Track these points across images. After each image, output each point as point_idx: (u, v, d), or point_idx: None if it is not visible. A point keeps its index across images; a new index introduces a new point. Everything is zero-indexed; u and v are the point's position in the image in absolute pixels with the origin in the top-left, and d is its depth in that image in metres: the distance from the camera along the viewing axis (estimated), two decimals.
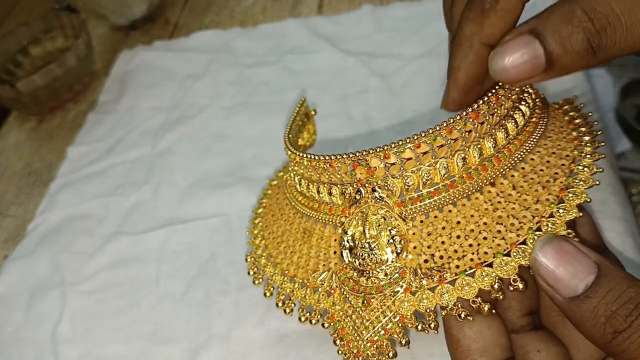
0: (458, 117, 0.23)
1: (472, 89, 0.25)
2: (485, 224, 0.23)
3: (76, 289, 0.40)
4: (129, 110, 0.54)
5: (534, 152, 0.24)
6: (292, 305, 0.28)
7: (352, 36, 0.53)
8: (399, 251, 0.23)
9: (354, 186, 0.25)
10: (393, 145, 0.23)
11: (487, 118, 0.24)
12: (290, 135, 0.32)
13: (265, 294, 0.30)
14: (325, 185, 0.26)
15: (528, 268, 0.21)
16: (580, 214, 0.22)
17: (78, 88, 0.57)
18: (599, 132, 0.25)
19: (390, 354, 0.23)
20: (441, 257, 0.23)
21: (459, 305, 0.22)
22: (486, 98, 0.23)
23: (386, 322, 0.23)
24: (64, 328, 0.38)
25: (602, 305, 0.19)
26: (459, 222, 0.23)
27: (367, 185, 0.24)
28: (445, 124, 0.23)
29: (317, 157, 0.25)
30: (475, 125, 0.23)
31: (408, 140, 0.23)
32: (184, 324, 0.36)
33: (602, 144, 0.24)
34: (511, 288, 0.22)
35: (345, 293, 0.25)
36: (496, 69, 0.22)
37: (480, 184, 0.23)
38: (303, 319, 0.27)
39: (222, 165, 0.46)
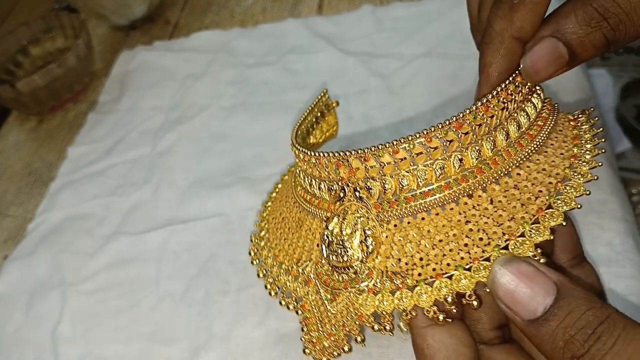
0: (440, 127, 0.23)
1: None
2: (454, 235, 0.23)
3: (76, 289, 0.40)
4: (129, 110, 0.54)
5: (523, 167, 0.24)
6: (277, 289, 0.29)
7: (352, 36, 0.53)
8: (369, 252, 0.24)
9: (339, 184, 0.25)
10: (373, 149, 0.23)
11: (477, 127, 0.23)
12: (302, 127, 0.32)
13: (258, 275, 0.31)
14: (316, 179, 0.27)
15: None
16: (552, 237, 0.22)
17: (78, 88, 0.57)
18: (600, 151, 0.25)
19: (345, 349, 0.24)
20: (406, 263, 0.23)
21: (416, 312, 0.22)
22: (474, 107, 0.23)
23: (347, 318, 0.24)
24: (64, 328, 0.38)
25: (561, 329, 0.19)
26: (429, 231, 0.23)
27: (350, 184, 0.25)
28: (425, 132, 0.23)
29: (308, 153, 0.26)
30: (459, 136, 0.23)
31: (387, 145, 0.23)
32: (184, 324, 0.36)
33: (600, 164, 0.24)
34: (464, 302, 0.22)
35: (318, 285, 0.26)
36: (530, 71, 0.24)
37: (458, 194, 0.23)
38: (283, 303, 0.28)
39: (222, 165, 0.46)
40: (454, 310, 0.22)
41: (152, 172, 0.47)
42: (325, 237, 0.25)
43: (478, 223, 0.23)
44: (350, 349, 0.24)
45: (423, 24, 0.51)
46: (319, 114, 0.35)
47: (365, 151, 0.23)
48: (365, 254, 0.24)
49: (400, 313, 0.23)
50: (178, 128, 0.50)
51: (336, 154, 0.24)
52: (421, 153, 0.23)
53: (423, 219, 0.24)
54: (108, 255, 0.42)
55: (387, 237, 0.24)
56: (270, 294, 0.29)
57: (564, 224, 0.22)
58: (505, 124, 0.24)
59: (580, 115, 0.27)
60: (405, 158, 0.23)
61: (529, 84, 0.25)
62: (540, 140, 0.25)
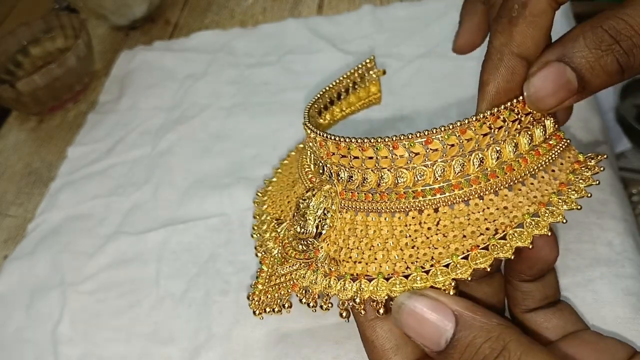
0: (409, 137, 0.23)
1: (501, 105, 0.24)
2: (391, 245, 0.24)
3: (76, 289, 0.40)
4: (129, 110, 0.54)
5: (486, 195, 0.23)
6: (257, 235, 0.31)
7: (352, 36, 0.53)
8: (321, 232, 0.25)
9: (321, 162, 0.26)
10: (347, 141, 0.24)
11: (449, 147, 0.23)
12: (326, 96, 0.32)
13: (254, 217, 0.33)
14: (311, 150, 0.28)
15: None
16: (469, 278, 0.21)
17: (78, 88, 0.57)
18: (587, 195, 0.23)
19: (275, 309, 0.27)
20: (345, 254, 0.25)
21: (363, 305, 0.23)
22: (450, 126, 0.23)
23: (284, 283, 0.27)
24: (64, 328, 0.38)
25: None
26: (374, 232, 0.24)
27: (327, 165, 0.26)
28: (393, 138, 0.23)
29: (306, 127, 0.27)
30: (427, 151, 0.23)
31: (358, 141, 0.24)
32: (184, 324, 0.36)
33: (579, 207, 0.23)
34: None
35: (280, 245, 0.28)
36: (534, 99, 0.22)
37: (410, 206, 0.24)
38: (255, 250, 0.30)
39: (222, 165, 0.46)
40: (363, 312, 0.23)
41: (152, 172, 0.47)
42: (298, 204, 0.27)
43: (415, 240, 0.23)
44: (279, 311, 0.27)
45: (423, 24, 0.51)
46: (358, 79, 0.35)
47: (340, 140, 0.24)
48: (317, 233, 0.25)
49: (339, 302, 0.24)
50: (178, 128, 0.50)
51: (323, 134, 0.25)
52: (386, 157, 0.24)
53: (373, 219, 0.24)
54: (108, 255, 0.42)
55: (340, 225, 0.25)
56: (252, 235, 0.32)
57: (488, 269, 0.22)
58: (485, 150, 0.23)
59: (590, 159, 0.24)
60: (372, 157, 0.24)
61: (533, 113, 0.23)
62: (519, 177, 0.23)
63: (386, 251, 0.24)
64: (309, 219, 0.26)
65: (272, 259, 0.28)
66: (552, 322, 0.26)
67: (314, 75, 0.51)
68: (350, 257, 0.24)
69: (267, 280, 0.28)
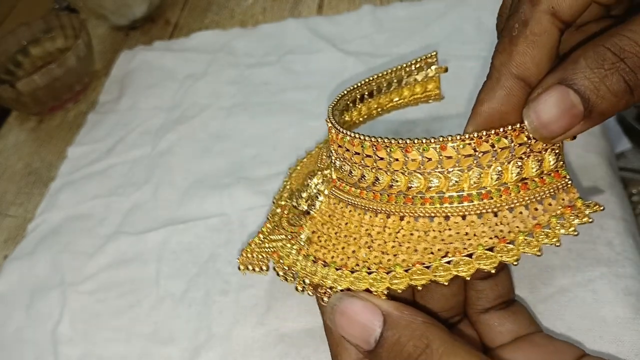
0: (391, 142, 0.23)
1: (492, 127, 0.22)
2: (354, 239, 0.25)
3: (76, 289, 0.40)
4: (129, 110, 0.54)
5: (453, 216, 0.23)
6: (276, 205, 0.33)
7: (352, 36, 0.53)
8: (309, 211, 0.27)
9: (331, 147, 0.27)
10: (343, 132, 0.25)
11: (426, 160, 0.23)
12: (373, 83, 0.32)
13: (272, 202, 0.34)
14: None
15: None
16: (400, 290, 0.22)
17: (78, 88, 0.57)
18: (556, 244, 0.22)
19: (255, 269, 0.29)
20: (318, 237, 0.26)
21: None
22: (431, 140, 0.22)
23: (269, 249, 0.29)
24: (64, 328, 0.38)
25: None
26: (346, 224, 0.25)
27: (332, 150, 0.27)
28: (373, 139, 0.24)
29: (328, 117, 0.27)
30: (406, 159, 0.23)
31: (351, 135, 0.25)
32: (184, 324, 0.36)
33: (539, 254, 0.22)
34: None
35: (279, 214, 0.31)
36: (535, 125, 0.21)
37: (384, 210, 0.24)
38: (271, 210, 0.33)
39: (222, 165, 0.46)
40: (310, 294, 0.24)
41: (152, 172, 0.47)
42: (304, 180, 0.28)
43: (373, 242, 0.24)
44: (259, 271, 0.29)
45: (423, 24, 0.51)
46: (415, 72, 0.33)
47: (340, 131, 0.25)
48: (306, 212, 0.27)
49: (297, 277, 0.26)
50: (178, 128, 0.50)
51: (333, 123, 0.26)
52: (369, 156, 0.24)
53: (350, 211, 0.25)
54: (108, 255, 0.42)
55: (325, 209, 0.26)
56: (273, 202, 0.34)
57: (419, 288, 0.22)
58: (466, 171, 0.22)
59: (587, 207, 0.22)
60: (359, 153, 0.24)
61: (531, 145, 0.22)
62: (494, 207, 0.22)
63: (347, 245, 0.25)
64: (304, 196, 0.27)
65: (273, 222, 0.30)
66: (505, 326, 0.26)
67: (314, 75, 0.51)
68: (320, 241, 0.26)
69: (260, 242, 0.30)
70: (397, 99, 0.34)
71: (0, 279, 0.43)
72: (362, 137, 0.24)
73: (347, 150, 0.25)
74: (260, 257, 0.29)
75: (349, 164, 0.25)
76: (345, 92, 0.30)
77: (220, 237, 0.40)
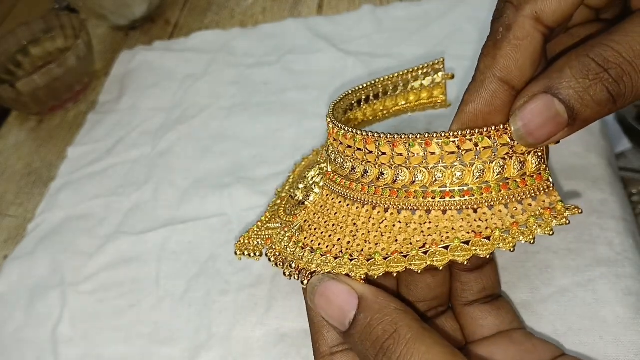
0: (379, 136, 0.24)
1: (476, 127, 0.23)
2: (341, 228, 0.25)
3: (76, 289, 0.40)
4: (129, 110, 0.54)
5: (434, 210, 0.23)
6: (278, 195, 0.35)
7: (352, 36, 0.53)
8: (304, 201, 0.28)
9: (328, 142, 0.28)
10: (340, 127, 0.26)
11: (411, 155, 0.24)
12: (379, 85, 0.33)
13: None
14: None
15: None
16: (376, 276, 0.23)
17: (78, 88, 0.57)
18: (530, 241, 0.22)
19: (250, 255, 0.31)
20: (309, 226, 0.27)
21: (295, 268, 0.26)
22: (417, 135, 0.23)
23: (265, 236, 0.30)
24: (64, 328, 0.38)
25: (360, 342, 0.21)
26: (335, 214, 0.26)
27: (329, 144, 0.28)
28: (367, 134, 0.24)
29: (328, 113, 0.28)
30: (393, 154, 0.24)
31: (346, 130, 0.25)
32: (184, 324, 0.36)
33: (512, 250, 0.22)
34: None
35: (277, 205, 0.32)
36: (521, 133, 0.21)
37: (368, 201, 0.25)
38: (270, 203, 0.35)
39: (222, 165, 0.46)
40: (295, 278, 0.25)
41: (152, 172, 0.47)
42: (304, 172, 0.29)
43: (358, 231, 0.25)
44: (253, 257, 0.30)
45: (423, 24, 0.51)
46: (422, 78, 0.33)
47: (335, 125, 0.26)
48: (302, 201, 0.28)
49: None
50: (178, 128, 0.50)
51: (331, 117, 0.27)
52: (359, 149, 0.25)
53: (340, 202, 0.26)
54: (108, 255, 0.42)
55: (318, 200, 0.28)
56: (275, 193, 0.36)
57: (394, 275, 0.23)
58: (448, 168, 0.23)
59: (566, 210, 0.22)
60: (350, 146, 0.25)
61: (513, 146, 0.22)
62: (473, 203, 0.23)
63: (334, 233, 0.26)
64: (300, 187, 0.28)
65: (271, 211, 0.31)
66: (487, 320, 0.27)
67: (314, 75, 0.51)
68: (311, 229, 0.27)
69: (258, 230, 0.31)
70: (403, 102, 0.34)
71: (0, 279, 0.43)
72: (354, 132, 0.25)
73: (341, 143, 0.26)
74: (255, 243, 0.31)
75: (342, 157, 0.26)
76: (350, 91, 0.31)
77: (220, 237, 0.40)
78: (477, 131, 0.22)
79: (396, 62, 0.49)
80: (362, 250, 0.24)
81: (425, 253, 0.23)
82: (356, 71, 0.49)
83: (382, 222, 0.24)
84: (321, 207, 0.27)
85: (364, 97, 0.32)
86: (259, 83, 0.52)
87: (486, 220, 0.23)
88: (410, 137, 0.23)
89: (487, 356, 0.25)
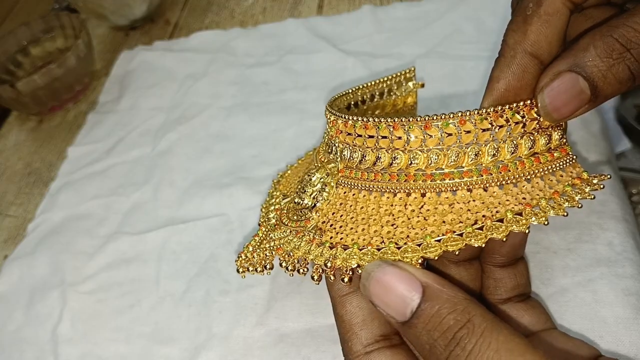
0: (407, 121, 0.24)
1: (508, 103, 0.24)
2: (373, 220, 0.24)
3: (76, 289, 0.40)
4: (129, 110, 0.54)
5: (475, 188, 0.23)
6: (265, 211, 0.33)
7: (352, 36, 0.53)
8: (315, 204, 0.27)
9: (332, 141, 0.28)
10: (354, 119, 0.25)
11: (446, 135, 0.23)
12: (358, 93, 0.33)
13: (260, 209, 0.34)
14: (326, 135, 0.29)
15: None
16: (436, 257, 0.22)
17: (78, 88, 0.57)
18: (578, 205, 0.23)
19: (257, 269, 0.28)
20: (330, 225, 0.26)
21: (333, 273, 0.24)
22: (450, 115, 0.23)
23: (273, 245, 0.28)
24: (64, 328, 0.38)
25: (425, 332, 0.20)
26: (362, 207, 0.25)
27: (335, 143, 0.27)
28: (394, 120, 0.24)
29: (327, 108, 0.28)
30: (425, 136, 0.24)
31: (363, 119, 0.25)
32: (184, 323, 0.36)
33: (565, 214, 0.22)
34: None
35: (278, 215, 0.31)
36: (548, 109, 0.23)
37: (403, 188, 0.24)
38: (259, 222, 0.32)
39: (222, 165, 0.46)
40: (332, 278, 0.24)
41: (152, 172, 0.47)
42: (303, 179, 0.28)
43: (396, 220, 0.24)
44: (261, 272, 0.28)
45: (423, 24, 0.51)
46: (394, 86, 0.35)
47: (349, 118, 0.26)
48: (312, 205, 0.27)
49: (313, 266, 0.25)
50: (178, 128, 0.50)
51: (336, 113, 0.26)
52: (385, 137, 0.24)
53: (364, 196, 0.25)
54: (108, 255, 0.42)
55: (334, 199, 0.27)
56: (261, 209, 0.34)
57: (457, 253, 0.22)
58: (483, 146, 0.23)
59: (594, 177, 0.24)
60: (372, 136, 0.25)
61: (538, 121, 0.23)
62: (514, 178, 0.23)
63: (367, 226, 0.24)
64: (307, 192, 0.27)
65: (267, 226, 0.30)
66: (524, 319, 0.26)
67: (314, 75, 0.51)
68: (334, 228, 0.25)
69: (258, 244, 0.30)
70: (378, 111, 0.35)
71: (0, 279, 0.43)
72: (377, 120, 0.24)
73: (359, 135, 0.25)
74: (262, 256, 0.29)
75: (361, 150, 0.25)
76: (337, 96, 0.31)
77: (220, 237, 0.40)
78: (507, 107, 0.23)
79: (396, 62, 0.49)
80: (408, 236, 0.23)
81: (480, 229, 0.22)
82: (356, 71, 0.49)
83: (422, 206, 0.24)
84: (340, 204, 0.26)
85: (344, 105, 0.33)
86: (259, 83, 0.52)
87: (528, 192, 0.23)
88: (444, 117, 0.23)
89: None
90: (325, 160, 0.28)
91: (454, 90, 0.45)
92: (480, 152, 0.23)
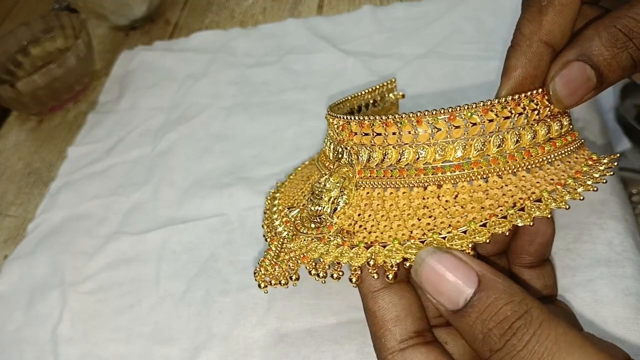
0: (432, 112, 0.24)
1: (524, 91, 0.25)
2: (408, 215, 0.24)
3: (76, 289, 0.40)
4: (129, 110, 0.54)
5: (505, 174, 0.24)
6: (268, 223, 0.32)
7: (352, 36, 0.53)
8: (335, 208, 0.26)
9: (342, 146, 0.27)
10: (371, 118, 0.25)
11: (470, 125, 0.24)
12: (352, 102, 0.33)
13: (264, 212, 0.34)
14: (330, 139, 0.29)
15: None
16: (488, 241, 0.22)
17: (78, 88, 0.57)
18: (593, 189, 0.24)
19: (282, 282, 0.27)
20: (360, 226, 0.25)
21: (362, 271, 0.24)
22: (474, 105, 0.24)
23: (295, 256, 0.27)
24: (64, 328, 0.38)
25: (479, 322, 0.20)
26: (391, 205, 0.25)
27: (347, 148, 0.27)
28: (418, 114, 0.24)
29: (329, 114, 0.28)
30: (449, 127, 0.24)
31: (383, 118, 0.25)
32: (184, 323, 0.36)
33: (595, 189, 0.24)
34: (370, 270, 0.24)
35: (291, 225, 0.29)
36: (559, 96, 0.24)
37: (429, 181, 0.24)
38: (264, 235, 0.31)
39: (222, 165, 0.46)
40: (375, 276, 0.23)
41: (152, 172, 0.47)
42: (313, 187, 0.28)
43: (433, 211, 0.24)
44: (286, 283, 0.27)
45: (423, 24, 0.51)
46: (378, 98, 0.36)
47: (365, 119, 0.25)
48: (332, 210, 0.26)
49: (350, 268, 0.24)
50: (178, 128, 0.50)
51: (345, 117, 0.26)
52: (409, 132, 0.24)
53: (391, 193, 0.25)
54: (108, 255, 0.42)
55: (357, 201, 0.26)
56: (262, 226, 0.32)
57: (507, 234, 0.22)
58: (505, 133, 0.24)
59: (604, 158, 0.26)
60: (395, 133, 0.25)
61: (551, 108, 0.25)
62: (537, 162, 0.24)
63: (403, 221, 0.24)
64: (324, 198, 0.27)
65: (280, 239, 0.29)
66: None
67: (314, 75, 0.51)
68: (365, 229, 0.25)
69: (274, 257, 0.29)
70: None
71: (0, 279, 0.43)
72: (399, 115, 0.24)
73: (378, 134, 0.25)
74: (285, 267, 0.28)
75: (382, 148, 0.25)
76: (331, 104, 0.31)
77: (220, 237, 0.40)
78: (524, 95, 0.24)
79: (396, 62, 0.49)
80: (450, 225, 0.23)
81: (522, 210, 0.23)
82: (356, 71, 0.49)
83: (456, 196, 0.24)
84: (365, 205, 0.26)
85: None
86: (259, 83, 0.52)
87: (554, 174, 0.24)
88: (467, 107, 0.24)
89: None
90: (335, 167, 0.28)
91: (454, 91, 0.45)
92: (504, 139, 0.24)
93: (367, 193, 0.26)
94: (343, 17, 0.55)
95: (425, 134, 0.24)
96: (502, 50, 0.46)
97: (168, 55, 0.58)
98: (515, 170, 0.24)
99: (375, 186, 0.26)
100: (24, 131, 0.58)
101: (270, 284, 0.28)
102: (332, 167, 0.28)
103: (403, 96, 0.36)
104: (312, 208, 0.27)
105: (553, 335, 0.18)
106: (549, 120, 0.25)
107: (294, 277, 0.27)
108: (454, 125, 0.24)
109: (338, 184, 0.27)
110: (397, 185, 0.25)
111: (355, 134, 0.26)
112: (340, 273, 0.25)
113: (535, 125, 0.25)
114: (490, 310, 0.19)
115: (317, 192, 0.27)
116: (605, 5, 0.27)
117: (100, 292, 0.40)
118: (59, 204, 0.47)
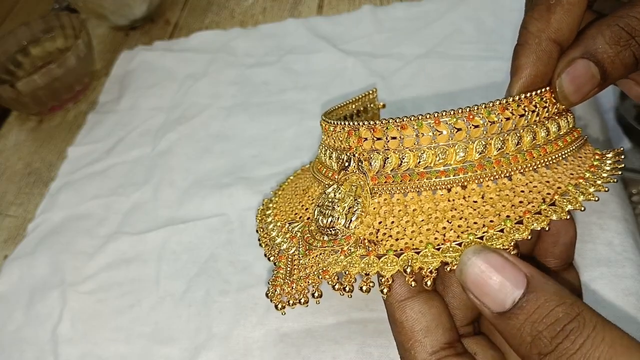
0: (451, 113, 0.24)
1: (534, 89, 0.25)
2: (436, 217, 0.24)
3: (76, 289, 0.40)
4: (129, 110, 0.54)
5: (526, 174, 0.24)
6: (267, 240, 0.30)
7: (352, 36, 0.53)
8: (352, 219, 0.25)
9: (347, 154, 0.26)
10: (383, 122, 0.24)
11: (489, 124, 0.24)
12: (338, 112, 0.33)
13: (257, 231, 0.32)
14: (330, 149, 0.28)
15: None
16: (529, 237, 0.21)
17: (78, 88, 0.57)
18: (613, 180, 0.24)
19: (302, 300, 0.25)
20: (384, 234, 0.24)
21: (393, 280, 0.23)
22: (491, 104, 0.24)
23: (313, 272, 0.25)
24: (64, 328, 0.38)
25: (528, 324, 0.19)
26: (414, 210, 0.24)
27: (355, 155, 0.26)
28: (435, 115, 0.24)
29: (329, 121, 0.28)
30: (469, 127, 0.24)
31: (397, 120, 0.24)
32: (184, 323, 0.36)
33: (607, 190, 0.24)
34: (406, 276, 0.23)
35: (299, 241, 0.28)
36: (565, 93, 0.25)
37: (453, 183, 0.24)
38: (266, 254, 0.29)
39: (222, 165, 0.46)
40: (413, 284, 0.22)
41: (152, 172, 0.47)
42: (320, 199, 0.27)
43: (463, 212, 0.23)
44: (307, 302, 0.25)
45: (423, 24, 0.51)
46: (361, 108, 0.36)
47: (377, 123, 0.25)
48: (349, 220, 0.25)
49: (379, 279, 0.23)
50: (178, 128, 0.50)
51: (351, 124, 0.26)
52: (424, 135, 0.24)
53: (412, 198, 0.25)
54: (108, 255, 0.42)
55: (374, 208, 0.25)
56: (260, 244, 0.30)
57: (547, 229, 0.22)
58: (521, 131, 0.24)
59: (609, 153, 0.26)
60: (410, 136, 0.24)
61: (557, 106, 0.25)
62: (553, 158, 0.25)
63: (432, 224, 0.23)
64: (337, 209, 0.25)
65: (289, 256, 0.28)
66: None
67: (314, 75, 0.51)
68: (391, 236, 0.24)
69: (287, 276, 0.27)
70: None
71: (0, 279, 0.43)
72: (414, 117, 0.24)
73: (393, 138, 0.25)
74: (304, 285, 0.26)
75: (398, 153, 0.25)
76: (325, 112, 0.31)
77: (220, 237, 0.40)
78: (534, 93, 0.24)
79: (396, 62, 0.49)
80: (484, 225, 0.22)
81: (552, 204, 0.23)
82: (356, 71, 0.49)
83: (483, 195, 0.24)
84: (385, 212, 0.25)
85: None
86: (259, 83, 0.52)
87: (571, 168, 0.25)
88: (485, 106, 0.24)
89: None
90: (342, 176, 0.27)
91: (454, 91, 0.45)
92: (521, 137, 0.24)
93: (385, 200, 0.25)
94: (343, 17, 0.55)
95: (444, 135, 0.24)
96: (502, 50, 0.46)
97: (168, 55, 0.58)
98: (535, 167, 0.24)
99: (393, 192, 0.25)
100: (24, 131, 0.58)
101: (289, 304, 0.26)
102: (336, 177, 0.27)
103: (384, 106, 0.37)
104: (324, 220, 0.26)
105: (609, 339, 0.17)
106: (556, 117, 0.25)
107: (316, 295, 0.25)
108: (473, 125, 0.24)
109: (350, 193, 0.26)
110: (418, 189, 0.24)
111: (365, 139, 0.25)
112: (371, 284, 0.24)
113: (546, 122, 0.25)
114: (541, 312, 0.19)
115: (326, 203, 0.26)
116: (598, 9, 0.28)
117: (100, 292, 0.40)
118: (59, 204, 0.47)
